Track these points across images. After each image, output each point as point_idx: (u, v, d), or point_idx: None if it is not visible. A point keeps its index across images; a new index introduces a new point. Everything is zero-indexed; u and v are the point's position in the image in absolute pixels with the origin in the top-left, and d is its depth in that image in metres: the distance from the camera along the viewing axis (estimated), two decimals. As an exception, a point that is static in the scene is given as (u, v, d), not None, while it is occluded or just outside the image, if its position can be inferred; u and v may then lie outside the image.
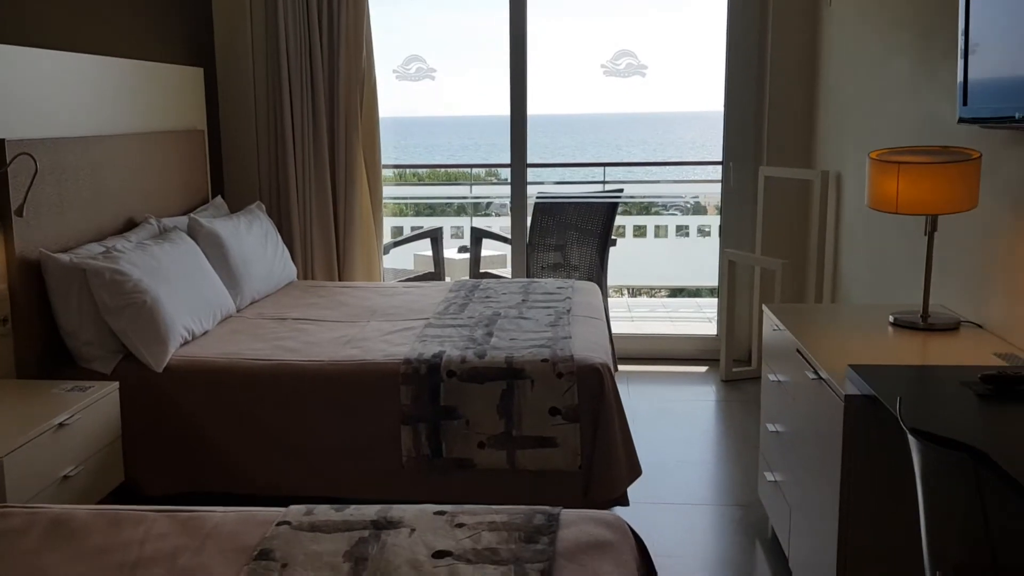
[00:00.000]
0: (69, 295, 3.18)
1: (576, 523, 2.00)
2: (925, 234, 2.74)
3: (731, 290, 4.98)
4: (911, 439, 1.84)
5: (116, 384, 3.04)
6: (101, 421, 2.90)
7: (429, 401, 3.13)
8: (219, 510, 2.11)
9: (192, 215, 4.08)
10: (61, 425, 2.67)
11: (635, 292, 7.48)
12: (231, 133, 4.86)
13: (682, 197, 8.65)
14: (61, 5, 3.59)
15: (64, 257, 3.19)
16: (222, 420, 3.17)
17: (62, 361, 3.26)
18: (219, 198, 4.61)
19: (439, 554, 1.86)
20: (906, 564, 2.29)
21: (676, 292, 7.46)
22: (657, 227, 7.70)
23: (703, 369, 5.12)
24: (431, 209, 7.87)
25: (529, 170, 5.20)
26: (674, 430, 4.21)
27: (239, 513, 2.09)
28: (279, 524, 2.01)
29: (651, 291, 7.41)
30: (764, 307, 3.17)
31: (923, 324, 2.78)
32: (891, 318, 2.88)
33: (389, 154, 5.22)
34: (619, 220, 7.82)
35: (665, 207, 8.95)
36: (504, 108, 5.00)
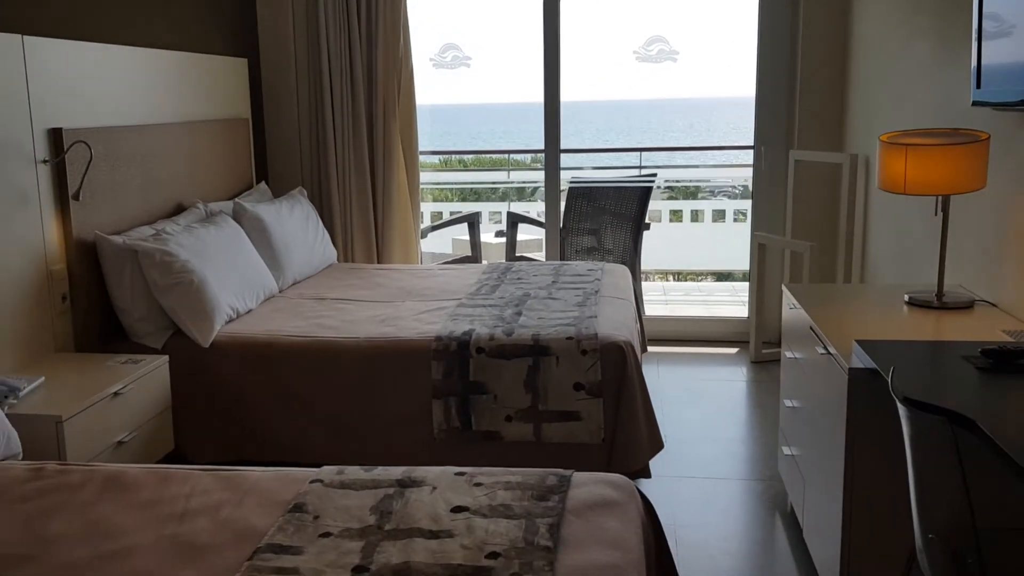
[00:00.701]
0: (123, 274, 3.41)
1: (586, 484, 2.16)
2: (935, 214, 2.84)
3: (761, 273, 5.08)
4: (899, 407, 1.97)
5: (166, 358, 3.26)
6: (152, 392, 3.12)
7: (459, 376, 3.30)
8: (257, 470, 2.31)
9: (237, 200, 4.30)
10: (116, 394, 2.89)
11: (678, 276, 7.57)
12: (274, 121, 5.07)
13: (730, 183, 8.72)
14: (115, 3, 3.80)
15: (117, 239, 3.42)
16: (264, 393, 3.38)
17: (116, 336, 3.49)
18: (263, 184, 4.82)
19: (457, 509, 2.03)
20: (910, 533, 2.41)
21: (722, 277, 7.54)
22: (694, 212, 7.78)
23: (734, 351, 5.23)
24: (476, 195, 8.03)
25: (567, 156, 5.33)
26: (701, 408, 4.34)
27: (276, 472, 2.28)
28: (312, 482, 2.19)
29: (686, 275, 7.50)
30: (783, 286, 3.29)
31: (937, 303, 2.88)
32: (906, 297, 2.98)
33: (426, 141, 5.39)
34: (657, 205, 7.95)
35: (712, 193, 9.01)
36: (538, 95, 5.14)
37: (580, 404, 3.25)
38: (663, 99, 46.31)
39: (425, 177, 6.78)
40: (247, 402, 3.39)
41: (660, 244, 7.08)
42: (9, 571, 1.83)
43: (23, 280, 3.09)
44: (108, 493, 2.17)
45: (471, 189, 8.03)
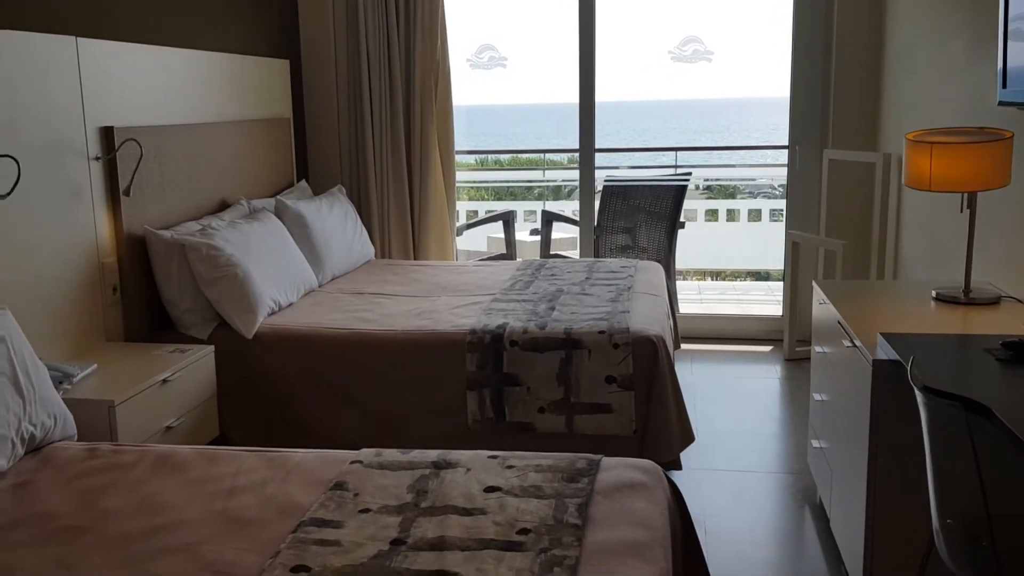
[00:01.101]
0: (170, 268, 3.55)
1: (615, 468, 2.25)
2: (961, 211, 2.90)
3: (795, 271, 5.14)
4: (917, 394, 2.04)
5: (211, 348, 3.39)
6: (199, 380, 3.26)
7: (493, 369, 3.40)
8: (300, 451, 2.43)
9: (279, 197, 4.44)
10: (164, 381, 3.03)
11: (717, 276, 7.62)
12: (314, 121, 5.21)
13: (771, 183, 8.75)
14: (164, 6, 3.96)
15: (166, 233, 3.57)
16: (305, 383, 3.50)
17: (164, 327, 3.64)
18: (303, 181, 4.97)
19: (490, 489, 2.14)
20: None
21: (761, 276, 7.58)
22: (729, 211, 7.84)
23: (768, 348, 5.29)
24: (512, 194, 8.13)
25: (602, 156, 5.42)
26: (733, 404, 4.41)
27: (318, 454, 2.41)
28: (352, 462, 2.31)
29: (723, 275, 7.56)
30: (814, 282, 3.36)
31: (964, 299, 2.94)
32: (934, 293, 3.04)
33: (462, 141, 5.51)
34: (694, 204, 8.01)
35: (753, 194, 9.05)
36: (573, 95, 5.24)
37: (612, 396, 3.34)
38: (698, 99, 46.32)
39: (461, 176, 6.88)
40: (289, 391, 3.51)
41: (696, 243, 7.15)
42: (69, 541, 1.96)
43: (77, 272, 3.24)
44: (159, 471, 2.30)
45: (508, 188, 8.14)
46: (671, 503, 2.21)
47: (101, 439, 2.71)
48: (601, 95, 5.27)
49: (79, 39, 3.22)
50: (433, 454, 2.35)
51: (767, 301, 6.49)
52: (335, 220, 4.57)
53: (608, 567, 1.79)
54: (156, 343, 3.43)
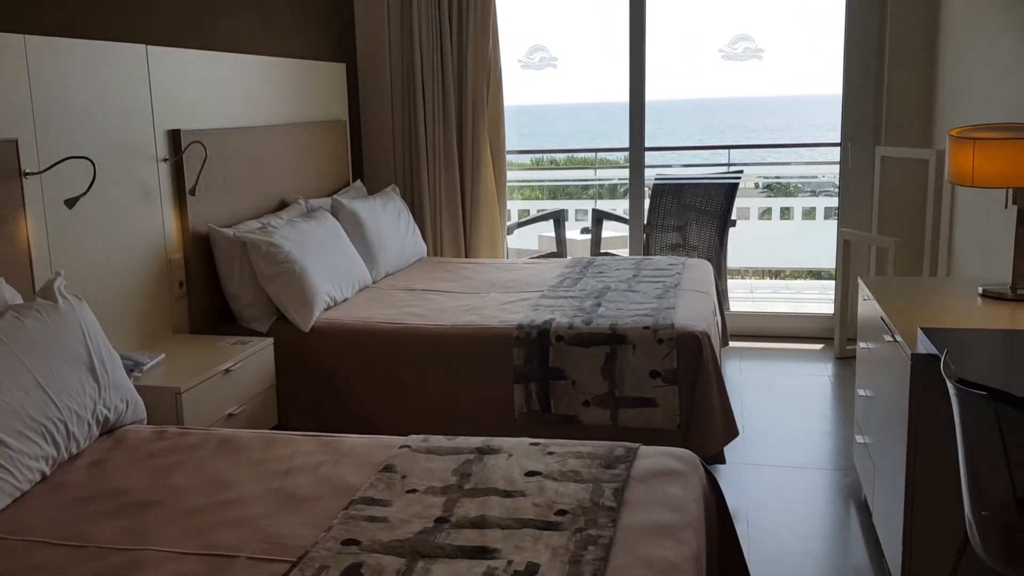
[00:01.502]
0: (233, 264, 3.75)
1: (652, 456, 2.36)
2: (1006, 207, 2.94)
3: (847, 269, 5.17)
4: (949, 386, 2.11)
5: (271, 340, 3.57)
6: (258, 371, 3.44)
7: (539, 363, 3.53)
8: (352, 436, 2.58)
9: (335, 196, 4.62)
10: (227, 371, 3.21)
11: (772, 274, 7.64)
12: (369, 123, 5.39)
13: (833, 181, 8.73)
14: (227, 15, 4.16)
15: (228, 231, 3.76)
16: (358, 375, 3.67)
17: (227, 320, 3.84)
18: (359, 181, 5.15)
19: (530, 473, 2.26)
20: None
21: (815, 275, 7.59)
22: (783, 209, 7.86)
23: (819, 347, 5.33)
24: (567, 193, 8.24)
25: (652, 154, 5.51)
26: (782, 401, 4.47)
27: (369, 439, 2.56)
28: (401, 447, 2.45)
29: (778, 273, 7.58)
30: (860, 279, 3.42)
31: (1011, 295, 2.97)
32: (980, 289, 3.08)
33: (515, 140, 5.64)
34: (747, 202, 8.04)
35: (814, 192, 9.04)
36: (623, 94, 5.33)
37: (656, 391, 3.44)
38: (749, 97, 46.06)
39: (514, 175, 7.02)
40: (343, 383, 3.68)
41: (751, 242, 7.18)
42: (140, 514, 2.14)
43: (146, 268, 3.45)
44: (222, 453, 2.47)
45: (561, 187, 8.26)
46: (707, 492, 2.31)
47: (168, 423, 2.89)
48: (651, 94, 5.36)
49: (149, 47, 3.42)
50: (477, 441, 2.48)
51: (821, 300, 6.51)
52: (388, 219, 4.74)
53: (641, 547, 1.90)
54: (219, 335, 3.62)
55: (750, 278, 7.38)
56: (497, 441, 2.48)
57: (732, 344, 5.26)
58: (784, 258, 7.69)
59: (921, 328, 2.56)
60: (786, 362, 5.12)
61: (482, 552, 1.89)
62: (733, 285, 6.64)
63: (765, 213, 7.91)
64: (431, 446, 2.46)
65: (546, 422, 3.54)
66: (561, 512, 2.05)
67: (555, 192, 8.36)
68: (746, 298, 6.52)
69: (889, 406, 2.84)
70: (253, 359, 3.40)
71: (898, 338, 2.67)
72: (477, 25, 5.14)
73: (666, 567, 1.82)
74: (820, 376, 4.85)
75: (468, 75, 5.17)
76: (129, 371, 2.96)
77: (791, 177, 9.19)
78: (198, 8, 3.93)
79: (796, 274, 7.59)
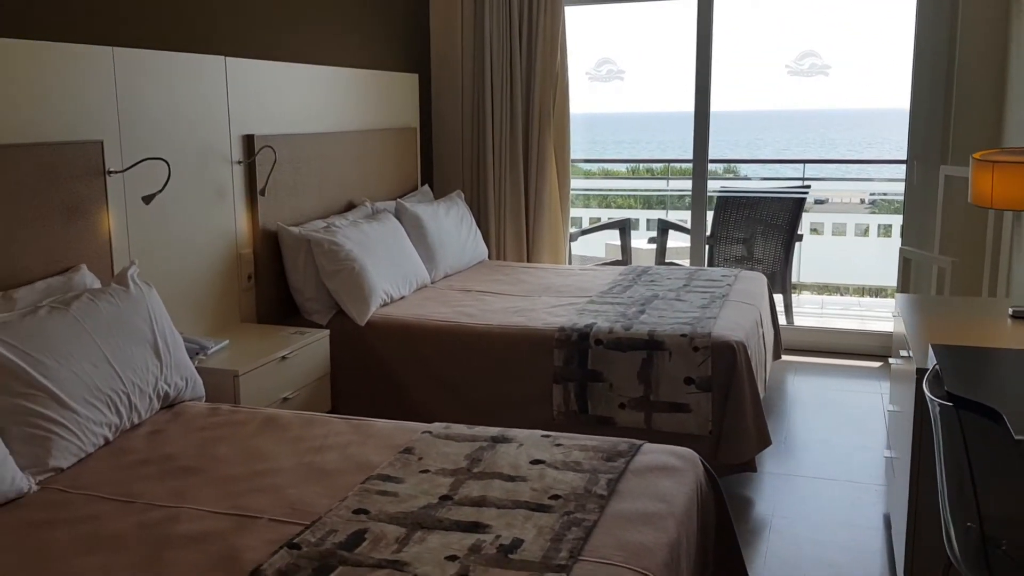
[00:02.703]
0: (297, 260, 4.05)
1: (653, 453, 2.54)
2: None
3: (906, 287, 5.20)
4: (927, 398, 2.23)
5: (327, 332, 3.86)
6: (314, 360, 3.73)
7: (578, 364, 3.71)
8: (381, 421, 2.83)
9: (400, 200, 4.90)
10: (283, 358, 3.51)
11: (844, 291, 7.64)
12: (440, 130, 5.67)
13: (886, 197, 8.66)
14: (304, 27, 4.48)
15: (295, 229, 4.07)
16: (409, 368, 3.92)
17: (291, 312, 4.15)
18: (426, 186, 5.43)
19: (535, 461, 2.46)
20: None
21: (880, 292, 7.58)
22: (856, 226, 7.86)
23: (877, 364, 5.37)
24: (646, 202, 8.36)
25: (718, 166, 5.63)
26: (829, 416, 4.53)
27: (397, 424, 2.80)
28: (423, 432, 2.69)
29: (847, 289, 7.57)
30: (896, 295, 3.51)
31: (1040, 315, 3.04)
32: (1010, 311, 3.15)
33: (583, 149, 5.84)
34: (819, 217, 8.04)
35: (894, 207, 8.95)
36: (689, 105, 5.48)
37: (690, 397, 3.58)
38: (815, 110, 45.38)
39: (585, 184, 7.22)
40: (394, 375, 3.94)
41: (820, 257, 7.21)
42: (185, 477, 2.43)
43: (218, 261, 3.78)
44: (265, 430, 2.76)
45: (636, 196, 8.40)
46: (704, 489, 2.48)
47: (226, 403, 3.20)
48: (716, 104, 5.47)
49: (227, 58, 3.75)
50: (494, 430, 2.70)
51: (886, 317, 6.52)
52: (451, 222, 5.00)
53: (621, 531, 2.09)
54: (283, 326, 3.92)
55: (821, 294, 7.41)
56: (512, 431, 2.69)
57: (791, 358, 5.34)
58: (851, 274, 7.69)
59: (932, 344, 2.65)
60: (841, 377, 5.18)
61: (475, 527, 2.11)
62: (804, 300, 6.69)
63: (839, 229, 7.91)
64: (451, 433, 2.69)
65: (583, 422, 3.71)
66: (555, 497, 2.25)
67: (630, 202, 8.50)
68: (814, 313, 6.57)
69: (904, 420, 2.94)
70: (310, 348, 3.69)
71: (910, 353, 2.77)
72: (546, 38, 5.36)
73: (638, 550, 2.00)
74: (872, 393, 4.89)
75: (536, 85, 5.40)
76: (194, 354, 3.28)
77: (851, 191, 9.13)
78: (278, 22, 4.25)
79: (870, 290, 7.58)
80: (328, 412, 3.85)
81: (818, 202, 8.52)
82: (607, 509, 2.20)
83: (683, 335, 3.63)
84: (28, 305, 2.68)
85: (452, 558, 1.96)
